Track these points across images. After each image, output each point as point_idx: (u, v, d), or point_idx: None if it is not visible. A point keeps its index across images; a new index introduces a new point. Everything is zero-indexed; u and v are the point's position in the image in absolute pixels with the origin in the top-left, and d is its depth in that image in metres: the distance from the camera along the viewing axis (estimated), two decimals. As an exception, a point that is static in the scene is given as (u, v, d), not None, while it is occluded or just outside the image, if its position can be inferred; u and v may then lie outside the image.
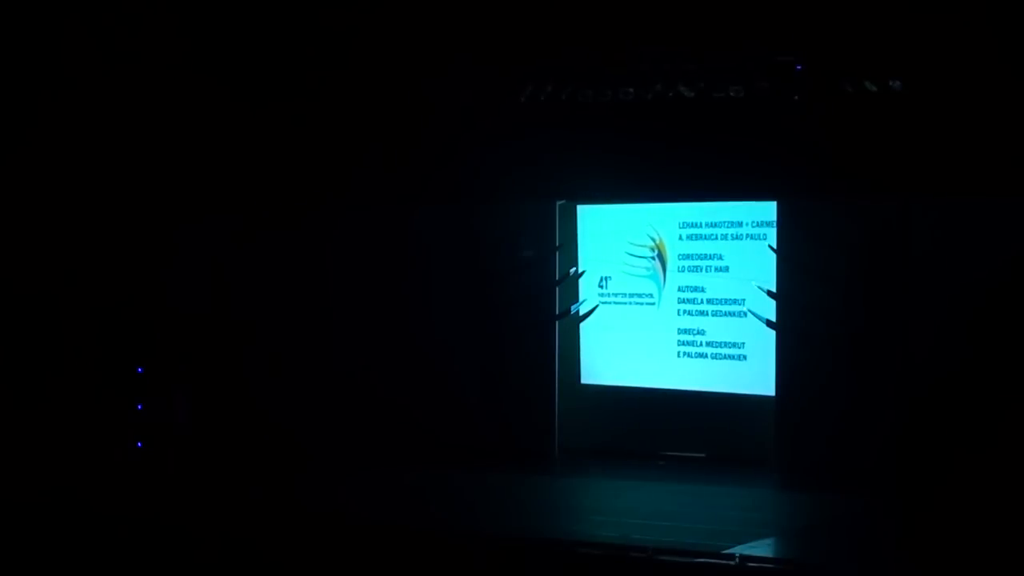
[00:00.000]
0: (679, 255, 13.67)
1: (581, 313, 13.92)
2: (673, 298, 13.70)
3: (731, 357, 13.36)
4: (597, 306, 13.93)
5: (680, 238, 13.68)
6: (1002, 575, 9.16)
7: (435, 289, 13.78)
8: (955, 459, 11.34)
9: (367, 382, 13.84)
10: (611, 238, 13.96)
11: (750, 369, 13.20)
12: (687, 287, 13.64)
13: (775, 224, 12.85)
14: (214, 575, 9.72)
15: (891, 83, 11.70)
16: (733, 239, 13.42)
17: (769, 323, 12.83)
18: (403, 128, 13.31)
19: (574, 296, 13.93)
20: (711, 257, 13.51)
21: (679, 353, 13.65)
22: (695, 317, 13.59)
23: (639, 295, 13.87)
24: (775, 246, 12.78)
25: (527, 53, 12.55)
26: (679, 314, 13.68)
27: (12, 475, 11.75)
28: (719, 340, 13.43)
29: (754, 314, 13.01)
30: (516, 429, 13.45)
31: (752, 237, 13.28)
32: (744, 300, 13.22)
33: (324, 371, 13.91)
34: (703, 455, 13.32)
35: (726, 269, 13.43)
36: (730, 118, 12.32)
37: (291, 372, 13.85)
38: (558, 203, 13.74)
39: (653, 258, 13.80)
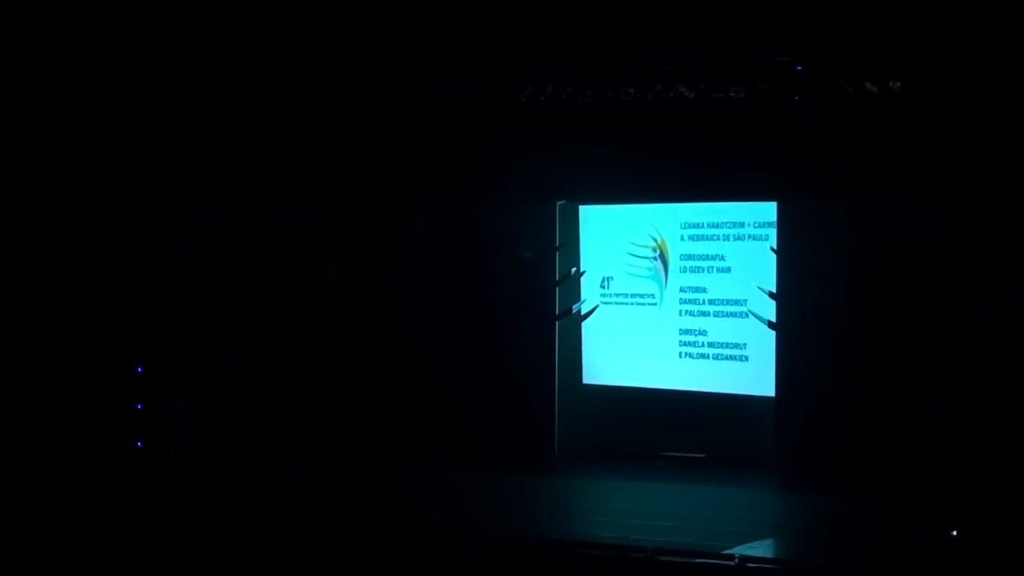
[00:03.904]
0: (681, 255, 13.67)
1: (582, 313, 13.92)
2: (675, 298, 13.70)
3: (732, 358, 13.35)
4: (598, 306, 13.93)
5: (682, 238, 13.68)
6: (1002, 575, 9.16)
7: (435, 289, 13.79)
8: (955, 459, 11.33)
9: (367, 382, 13.85)
10: (613, 238, 13.97)
11: (751, 370, 13.19)
12: (689, 287, 13.64)
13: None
14: (214, 574, 9.71)
15: (891, 83, 11.70)
16: (735, 240, 13.41)
17: (770, 324, 12.82)
18: (404, 128, 13.32)
19: (575, 296, 13.93)
20: (713, 258, 13.50)
21: (680, 353, 13.65)
22: (696, 318, 13.58)
23: (641, 295, 13.87)
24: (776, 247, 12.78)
25: (528, 53, 12.56)
26: (681, 314, 13.67)
27: (13, 474, 11.76)
28: (720, 341, 13.43)
29: (755, 315, 13.00)
30: (516, 429, 13.44)
31: (754, 238, 13.27)
32: (746, 301, 13.21)
33: (324, 371, 13.93)
34: (703, 455, 13.31)
35: (728, 270, 13.42)
36: (730, 118, 12.34)
37: (291, 372, 13.87)
38: (559, 203, 13.75)
39: (655, 258, 13.80)
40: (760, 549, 9.92)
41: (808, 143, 12.07)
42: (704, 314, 13.56)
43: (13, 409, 12.84)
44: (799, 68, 11.97)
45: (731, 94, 12.23)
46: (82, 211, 13.49)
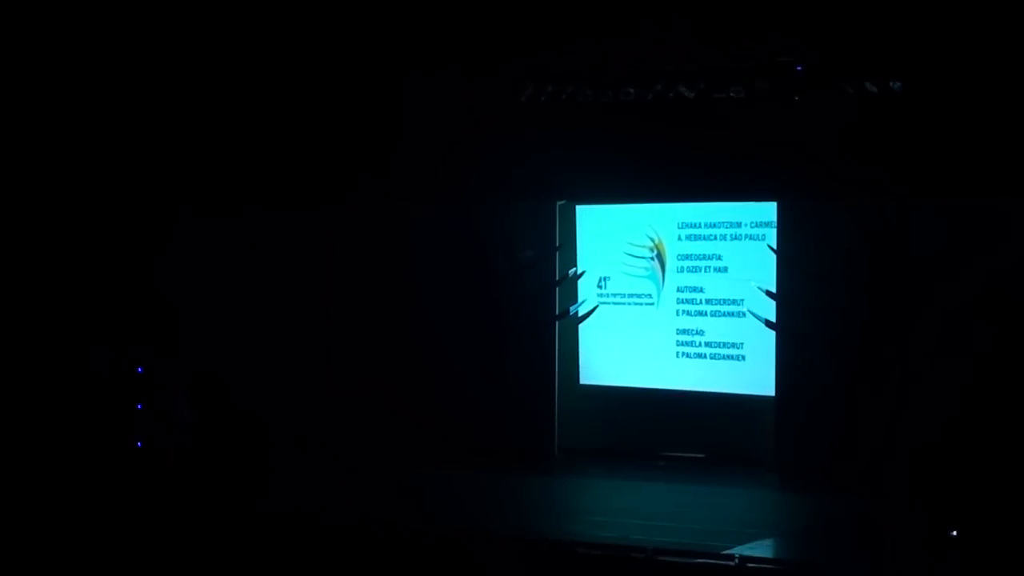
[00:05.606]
0: (678, 255, 13.67)
1: (580, 314, 13.91)
2: (672, 298, 13.70)
3: (730, 357, 13.35)
4: (596, 306, 13.93)
5: (679, 238, 13.67)
6: (1002, 575, 9.17)
7: (435, 289, 13.77)
8: (955, 459, 11.35)
9: (367, 382, 13.83)
10: (610, 238, 13.95)
11: (749, 369, 13.20)
12: (686, 287, 13.64)
13: (774, 224, 12.86)
14: (213, 575, 9.70)
15: (891, 83, 11.72)
16: (732, 239, 13.42)
17: (768, 323, 12.83)
18: (404, 128, 13.31)
19: (573, 296, 13.92)
20: (710, 257, 13.51)
21: (678, 353, 13.65)
22: (694, 317, 13.58)
23: (638, 295, 13.87)
24: (775, 246, 12.78)
25: (528, 53, 12.56)
26: (678, 314, 13.67)
27: (12, 475, 11.74)
28: (718, 340, 13.43)
29: (753, 314, 13.01)
30: (516, 429, 13.43)
31: (751, 237, 13.29)
32: (743, 300, 13.22)
33: (324, 371, 13.92)
34: (703, 455, 13.31)
35: (725, 269, 13.42)
36: (730, 118, 12.34)
37: (291, 372, 13.86)
38: (558, 203, 13.74)
39: (652, 258, 13.79)
40: (760, 549, 9.90)
41: (808, 143, 12.08)
42: (701, 314, 13.56)
43: (13, 409, 12.82)
44: (799, 68, 11.97)
45: (731, 94, 12.24)
46: (81, 210, 13.47)
